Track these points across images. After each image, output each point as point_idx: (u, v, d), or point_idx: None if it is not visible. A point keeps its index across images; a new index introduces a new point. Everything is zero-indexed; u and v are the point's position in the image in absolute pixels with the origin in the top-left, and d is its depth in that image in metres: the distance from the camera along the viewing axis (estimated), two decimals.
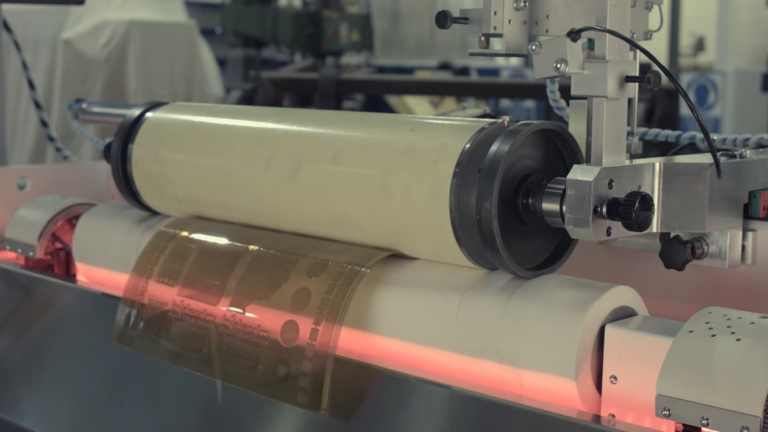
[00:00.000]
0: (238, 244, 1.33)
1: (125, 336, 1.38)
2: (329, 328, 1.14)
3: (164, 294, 1.36)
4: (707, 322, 0.95)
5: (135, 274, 1.41)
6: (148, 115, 1.54)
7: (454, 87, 7.12)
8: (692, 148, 1.45)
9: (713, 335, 0.93)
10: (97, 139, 2.06)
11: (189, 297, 1.32)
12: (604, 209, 1.02)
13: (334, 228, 1.26)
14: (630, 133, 1.28)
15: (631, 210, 1.01)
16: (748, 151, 1.16)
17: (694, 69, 8.04)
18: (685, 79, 6.88)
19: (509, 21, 1.13)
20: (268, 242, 1.30)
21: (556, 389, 1.03)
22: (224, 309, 1.27)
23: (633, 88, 1.09)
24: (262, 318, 1.22)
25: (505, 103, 8.24)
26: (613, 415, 1.01)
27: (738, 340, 0.92)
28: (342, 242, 1.26)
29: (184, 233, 1.41)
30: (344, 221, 1.24)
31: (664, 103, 5.59)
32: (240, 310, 1.25)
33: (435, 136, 1.17)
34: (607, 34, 1.05)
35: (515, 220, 1.11)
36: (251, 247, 1.31)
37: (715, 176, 1.06)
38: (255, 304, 1.24)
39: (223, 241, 1.36)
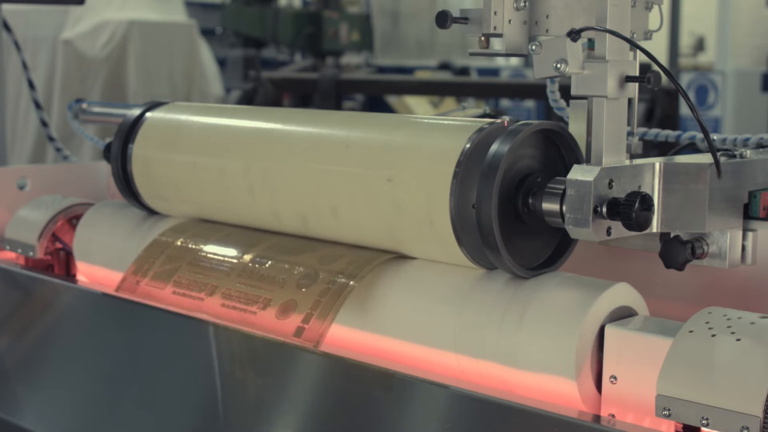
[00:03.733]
0: (230, 254, 1.34)
1: None
2: (318, 324, 1.16)
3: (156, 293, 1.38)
4: (707, 322, 0.95)
5: (129, 274, 1.43)
6: (148, 115, 1.54)
7: (454, 87, 7.12)
8: (692, 148, 1.45)
9: (713, 335, 0.93)
10: (97, 139, 2.06)
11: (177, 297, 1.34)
12: (604, 209, 1.02)
13: (335, 229, 1.26)
14: (630, 133, 1.28)
15: (631, 210, 1.01)
16: (748, 151, 1.15)
17: (694, 69, 8.05)
18: (685, 79, 6.88)
19: (509, 21, 1.13)
20: (263, 249, 1.31)
21: (556, 389, 1.03)
22: (211, 315, 1.28)
23: (633, 88, 1.09)
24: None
25: (505, 103, 8.24)
26: (613, 415, 1.01)
27: (738, 340, 0.92)
28: (342, 244, 1.26)
29: (178, 242, 1.42)
30: (345, 221, 1.24)
31: (664, 103, 5.59)
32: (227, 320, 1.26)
33: (435, 136, 1.17)
34: (607, 34, 1.05)
35: (515, 220, 1.11)
36: (245, 256, 1.32)
37: (715, 176, 1.06)
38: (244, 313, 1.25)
39: (216, 250, 1.37)
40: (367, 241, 1.24)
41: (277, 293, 1.23)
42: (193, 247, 1.40)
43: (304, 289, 1.21)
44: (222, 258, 1.35)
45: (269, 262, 1.28)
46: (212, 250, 1.37)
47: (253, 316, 1.23)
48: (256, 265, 1.29)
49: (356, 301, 1.20)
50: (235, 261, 1.32)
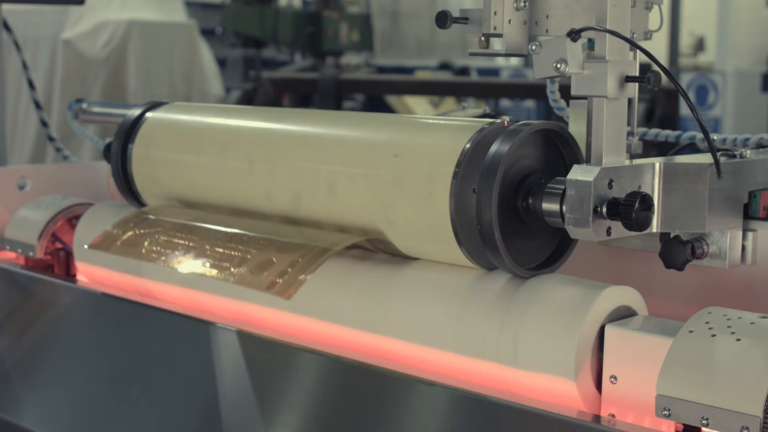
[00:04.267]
0: (212, 226, 1.36)
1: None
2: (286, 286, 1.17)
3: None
4: (707, 322, 0.95)
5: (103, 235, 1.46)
6: (148, 115, 1.54)
7: (454, 87, 7.11)
8: (692, 148, 1.45)
9: (713, 335, 0.93)
10: (97, 139, 2.06)
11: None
12: (604, 209, 1.02)
13: (332, 225, 1.26)
14: (630, 133, 1.28)
15: (631, 210, 1.01)
16: (748, 151, 1.15)
17: (694, 69, 8.04)
18: (685, 79, 6.88)
19: (509, 21, 1.13)
20: (247, 226, 1.32)
21: (556, 389, 1.03)
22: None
23: (633, 88, 1.09)
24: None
25: (505, 103, 8.24)
26: (613, 415, 1.01)
27: (738, 340, 0.92)
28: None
29: (161, 214, 1.45)
30: (343, 220, 1.24)
31: (664, 103, 5.59)
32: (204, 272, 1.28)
33: (435, 136, 1.17)
34: (607, 34, 1.05)
35: (515, 220, 1.11)
36: (227, 228, 1.34)
37: (715, 176, 1.06)
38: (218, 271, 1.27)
39: (199, 221, 1.40)
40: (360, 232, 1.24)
41: (255, 254, 1.23)
42: (177, 221, 1.41)
43: (282, 252, 1.21)
44: (203, 227, 1.36)
45: (251, 233, 1.29)
46: (195, 220, 1.39)
47: (227, 272, 1.23)
48: (236, 235, 1.30)
49: (356, 301, 1.20)
50: (216, 230, 1.34)
